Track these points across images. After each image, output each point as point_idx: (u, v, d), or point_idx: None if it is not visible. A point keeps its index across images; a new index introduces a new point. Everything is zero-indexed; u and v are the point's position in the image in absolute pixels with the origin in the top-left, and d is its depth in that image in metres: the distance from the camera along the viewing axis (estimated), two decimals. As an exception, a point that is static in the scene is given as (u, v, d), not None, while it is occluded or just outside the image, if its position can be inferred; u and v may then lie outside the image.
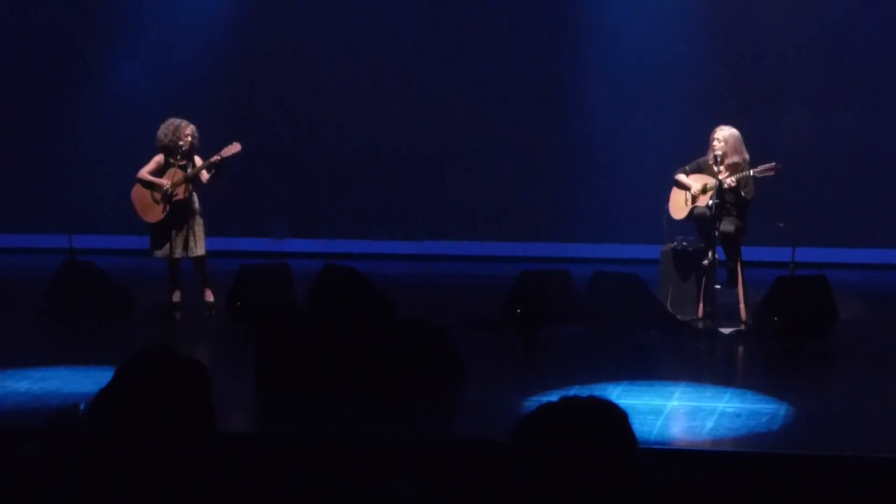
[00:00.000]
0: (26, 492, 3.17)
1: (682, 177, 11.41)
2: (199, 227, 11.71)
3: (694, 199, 11.30)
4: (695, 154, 11.44)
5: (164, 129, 11.68)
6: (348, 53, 15.51)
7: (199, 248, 11.70)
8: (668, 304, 11.22)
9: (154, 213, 11.67)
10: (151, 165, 11.75)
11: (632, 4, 14.99)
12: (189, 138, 11.61)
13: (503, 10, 15.40)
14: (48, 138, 15.83)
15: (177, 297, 11.81)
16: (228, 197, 13.81)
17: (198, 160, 11.72)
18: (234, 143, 11.72)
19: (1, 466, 3.95)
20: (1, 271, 14.90)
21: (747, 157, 11.22)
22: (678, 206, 11.45)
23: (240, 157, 11.81)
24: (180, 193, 11.59)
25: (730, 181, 11.02)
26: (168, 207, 11.60)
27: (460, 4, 15.50)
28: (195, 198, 11.72)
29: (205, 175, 11.65)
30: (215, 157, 11.62)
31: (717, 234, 11.07)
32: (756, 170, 11.08)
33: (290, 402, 8.45)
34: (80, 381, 8.97)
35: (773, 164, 11.07)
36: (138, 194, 11.78)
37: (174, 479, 2.80)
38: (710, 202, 11.04)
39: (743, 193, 11.08)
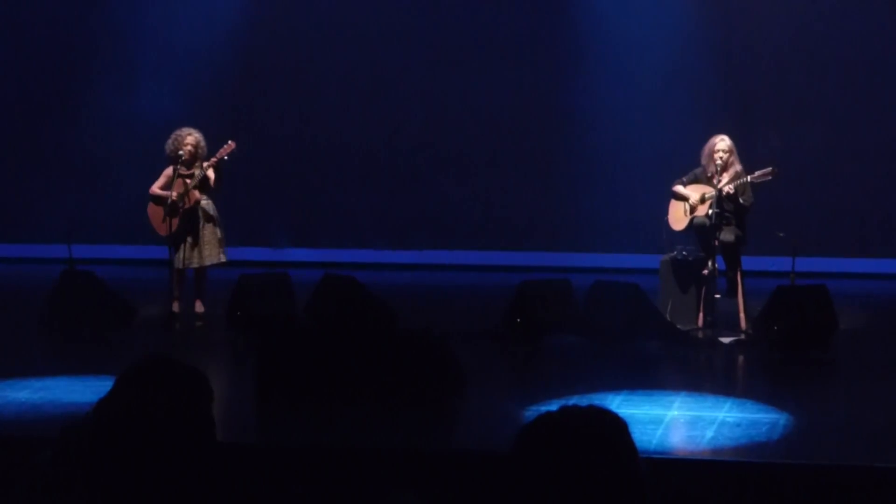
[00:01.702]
0: (36, 501, 3.17)
1: (679, 188, 11.42)
2: (212, 234, 11.72)
3: (693, 209, 11.31)
4: (696, 164, 11.44)
5: (168, 140, 11.74)
6: (348, 62, 15.53)
7: (210, 256, 11.71)
8: (668, 314, 11.22)
9: (166, 226, 11.69)
10: (161, 180, 11.81)
11: (633, 14, 15.00)
12: (189, 147, 11.64)
13: (502, 21, 15.41)
14: (48, 147, 15.83)
15: (176, 307, 11.82)
16: (229, 206, 13.80)
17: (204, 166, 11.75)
18: (229, 142, 11.76)
19: (3, 476, 3.95)
20: (0, 281, 14.89)
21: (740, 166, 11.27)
22: (678, 217, 11.46)
23: (236, 155, 11.83)
24: (188, 202, 11.61)
25: (728, 188, 11.03)
26: (177, 218, 11.61)
27: (460, 13, 15.51)
28: (206, 205, 11.71)
29: (211, 176, 11.69)
30: (213, 159, 11.67)
31: (716, 243, 11.07)
32: (753, 175, 11.09)
33: (290, 411, 8.45)
34: (81, 391, 8.96)
35: (770, 168, 11.08)
36: (153, 210, 11.85)
37: (174, 488, 2.80)
38: (710, 211, 11.05)
39: (741, 201, 11.09)
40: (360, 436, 7.86)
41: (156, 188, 11.82)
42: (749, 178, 11.08)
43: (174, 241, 11.68)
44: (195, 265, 11.69)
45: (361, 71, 15.55)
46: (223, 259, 11.82)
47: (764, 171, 11.07)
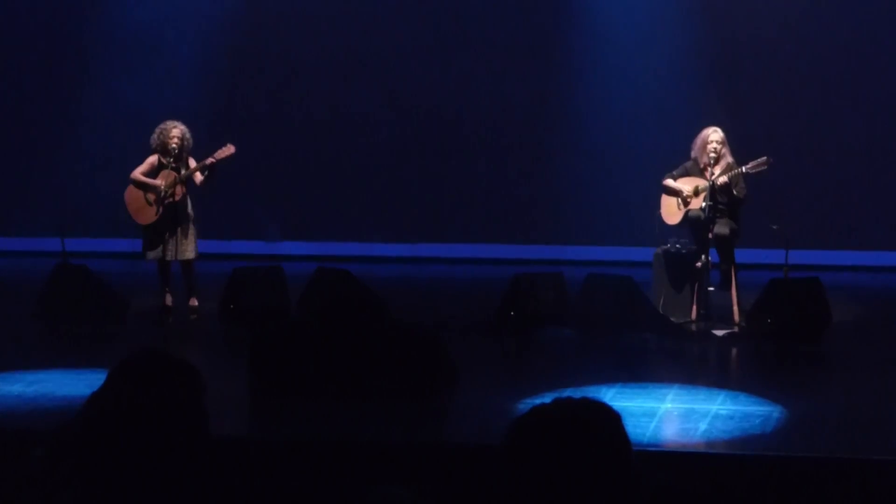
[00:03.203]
0: (30, 497, 3.17)
1: (670, 182, 11.38)
2: (191, 230, 11.71)
3: (686, 202, 11.28)
4: (689, 157, 11.42)
5: (155, 132, 11.70)
6: (341, 55, 15.51)
7: (189, 251, 11.70)
8: (661, 307, 11.22)
9: (147, 215, 11.67)
10: (145, 167, 11.74)
11: (626, 8, 15.00)
12: (175, 139, 11.58)
13: (496, 13, 15.41)
14: (40, 141, 15.81)
15: (169, 300, 11.81)
16: (221, 199, 13.80)
17: (191, 161, 11.72)
18: (228, 146, 11.71)
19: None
20: (-7, 274, 14.88)
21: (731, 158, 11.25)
22: (671, 211, 11.42)
23: (233, 159, 11.80)
24: (177, 195, 11.58)
25: (722, 180, 11.01)
26: (161, 209, 11.59)
27: (454, 7, 15.50)
28: (188, 200, 11.72)
29: (198, 177, 11.65)
30: (209, 160, 11.61)
31: (711, 236, 11.06)
32: (748, 166, 11.07)
33: (283, 405, 8.44)
34: (73, 385, 8.95)
35: (765, 157, 11.06)
36: (131, 195, 11.77)
37: (167, 482, 2.80)
38: (703, 204, 11.03)
39: (735, 192, 11.07)
40: (353, 429, 7.85)
41: (139, 174, 11.74)
42: (744, 168, 11.06)
43: (154, 233, 11.64)
44: (170, 258, 11.65)
45: (356, 64, 15.53)
46: (196, 255, 11.81)
47: (758, 161, 11.05)
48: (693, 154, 11.30)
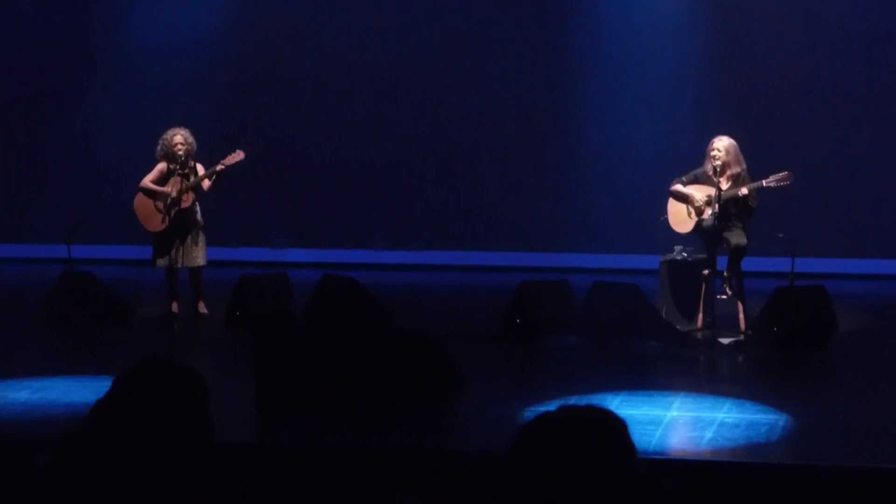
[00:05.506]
0: (35, 502, 3.17)
1: (679, 187, 11.33)
2: (200, 237, 11.72)
3: (699, 211, 11.19)
4: (694, 164, 11.41)
5: (159, 143, 11.72)
6: (347, 63, 15.51)
7: (199, 258, 11.71)
8: (667, 315, 11.20)
9: (156, 223, 11.68)
10: (154, 174, 11.75)
11: (631, 14, 15.00)
12: (178, 146, 11.58)
13: (502, 21, 15.41)
14: (47, 148, 15.83)
15: (175, 307, 11.82)
16: (228, 207, 13.81)
17: (200, 168, 11.72)
18: (238, 152, 11.72)
19: (2, 476, 3.94)
20: (0, 281, 14.88)
21: (745, 166, 11.20)
22: (681, 219, 11.35)
23: (242, 165, 11.81)
24: (186, 202, 11.58)
25: (742, 192, 10.95)
26: (171, 217, 11.60)
27: (457, 13, 15.50)
28: (198, 207, 11.72)
29: (206, 183, 11.65)
30: (219, 166, 11.61)
31: (726, 245, 11.01)
32: (768, 180, 11.03)
33: (289, 412, 8.45)
34: (79, 391, 8.96)
35: (787, 172, 11.02)
36: (141, 203, 11.79)
37: (172, 489, 2.80)
38: (711, 211, 10.98)
39: (750, 204, 11.03)
40: (359, 436, 7.85)
41: (148, 182, 11.75)
42: (764, 183, 11.02)
43: (164, 240, 11.66)
44: (179, 266, 11.66)
45: (360, 72, 15.53)
46: (206, 262, 11.83)
47: (779, 175, 11.01)
48: (705, 162, 11.25)
